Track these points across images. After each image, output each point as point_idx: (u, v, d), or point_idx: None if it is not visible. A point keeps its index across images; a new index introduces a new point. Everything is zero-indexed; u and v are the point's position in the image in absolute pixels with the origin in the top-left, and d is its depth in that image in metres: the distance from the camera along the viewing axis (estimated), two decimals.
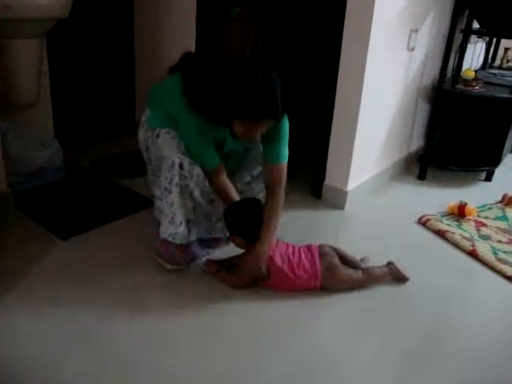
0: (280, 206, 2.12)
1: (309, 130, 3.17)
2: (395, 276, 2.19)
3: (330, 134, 2.80)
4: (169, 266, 2.11)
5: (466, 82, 3.36)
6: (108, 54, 3.46)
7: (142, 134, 2.17)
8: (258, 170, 2.35)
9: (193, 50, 3.21)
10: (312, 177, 2.99)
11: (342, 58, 2.64)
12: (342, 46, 2.62)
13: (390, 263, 2.20)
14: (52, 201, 2.67)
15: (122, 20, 3.47)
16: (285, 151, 2.11)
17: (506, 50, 4.39)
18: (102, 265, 2.16)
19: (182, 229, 2.04)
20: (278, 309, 1.98)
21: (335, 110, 2.75)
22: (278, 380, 1.64)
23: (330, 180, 2.87)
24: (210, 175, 2.07)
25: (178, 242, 2.05)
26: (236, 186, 2.21)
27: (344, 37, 2.60)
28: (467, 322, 2.06)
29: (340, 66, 2.66)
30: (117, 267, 2.15)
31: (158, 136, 2.05)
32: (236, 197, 2.11)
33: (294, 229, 2.54)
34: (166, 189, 2.02)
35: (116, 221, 2.52)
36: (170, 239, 2.05)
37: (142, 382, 1.60)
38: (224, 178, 2.09)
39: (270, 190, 2.13)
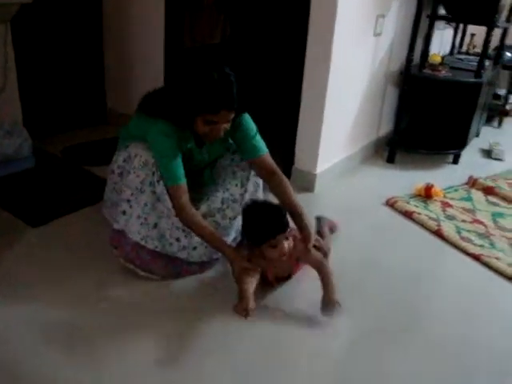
0: (290, 188, 2.10)
1: (277, 115, 3.21)
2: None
3: (298, 119, 2.84)
4: (141, 273, 2.02)
5: (433, 67, 3.43)
6: (77, 40, 3.42)
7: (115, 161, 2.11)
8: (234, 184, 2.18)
9: (162, 34, 3.22)
10: (281, 161, 3.02)
11: (308, 43, 2.67)
12: (309, 32, 2.65)
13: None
14: (22, 189, 2.65)
15: (90, 5, 3.44)
16: (260, 144, 2.10)
17: (473, 36, 4.49)
18: (72, 251, 2.17)
19: (155, 232, 1.98)
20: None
21: (303, 95, 2.79)
22: None
23: (299, 163, 2.91)
24: (173, 199, 1.93)
25: (150, 246, 1.98)
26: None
27: (310, 23, 2.63)
28: (433, 297, 2.13)
29: (307, 52, 2.69)
30: (88, 253, 2.16)
31: (127, 146, 2.03)
32: (216, 231, 1.98)
33: None
34: (137, 188, 1.94)
35: (87, 207, 2.53)
36: (142, 243, 1.98)
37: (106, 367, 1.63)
38: (191, 208, 1.95)
39: (271, 181, 2.11)
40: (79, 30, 3.42)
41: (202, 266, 2.11)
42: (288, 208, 1.99)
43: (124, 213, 1.99)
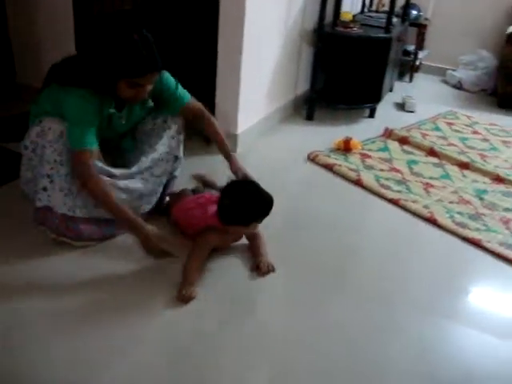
0: (219, 127, 2.29)
1: (194, 76, 3.16)
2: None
3: (215, 80, 2.82)
4: (77, 244, 1.98)
5: (345, 24, 3.49)
6: None
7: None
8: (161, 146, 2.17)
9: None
10: None
11: (221, 5, 2.64)
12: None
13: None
14: None
15: None
16: (184, 92, 2.16)
17: None
18: None
19: (80, 200, 1.94)
20: None
21: (219, 57, 2.76)
22: None
23: (219, 124, 2.89)
24: (79, 165, 1.87)
25: (78, 214, 1.94)
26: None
27: None
28: (359, 242, 2.23)
29: (220, 13, 2.66)
30: (11, 230, 2.06)
31: (40, 121, 1.92)
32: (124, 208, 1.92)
33: (189, 175, 2.57)
34: (56, 161, 1.88)
35: (5, 185, 2.40)
36: (70, 213, 1.93)
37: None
38: (99, 176, 1.90)
39: (202, 123, 2.25)
40: None
41: None
42: (221, 147, 2.23)
43: (45, 189, 1.91)
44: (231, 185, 1.94)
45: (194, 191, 2.29)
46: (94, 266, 1.88)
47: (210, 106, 2.87)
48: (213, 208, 2.00)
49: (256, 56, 2.84)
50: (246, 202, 1.86)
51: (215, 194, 2.12)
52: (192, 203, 2.09)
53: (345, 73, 3.87)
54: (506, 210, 2.59)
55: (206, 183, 2.47)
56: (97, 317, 1.66)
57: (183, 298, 1.74)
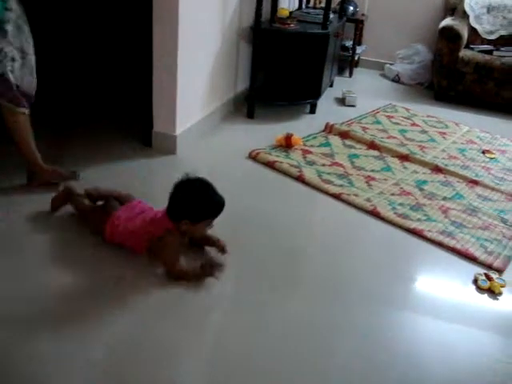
0: None
1: (131, 81, 3.07)
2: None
3: (152, 82, 2.74)
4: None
5: (282, 21, 3.47)
6: None
7: None
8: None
9: None
10: (141, 125, 2.92)
11: (154, 7, 2.56)
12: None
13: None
14: None
15: None
16: None
17: None
18: None
19: None
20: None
21: (154, 58, 2.68)
22: None
23: (158, 127, 2.82)
24: None
25: None
26: None
27: None
28: (303, 238, 2.21)
29: (153, 16, 2.58)
30: None
31: None
32: None
33: (129, 180, 2.49)
34: None
35: None
36: None
37: None
38: None
39: None
40: None
41: None
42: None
43: None
44: (185, 180, 1.88)
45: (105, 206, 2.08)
46: None
47: (148, 107, 2.80)
48: (152, 214, 1.94)
49: (192, 56, 2.78)
50: (198, 196, 1.85)
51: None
52: (126, 214, 1.97)
53: (284, 69, 3.86)
54: (445, 198, 2.63)
55: (101, 196, 2.14)
56: None
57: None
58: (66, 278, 1.79)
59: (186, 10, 2.58)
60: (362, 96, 4.08)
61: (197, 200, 1.85)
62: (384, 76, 4.96)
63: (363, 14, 4.96)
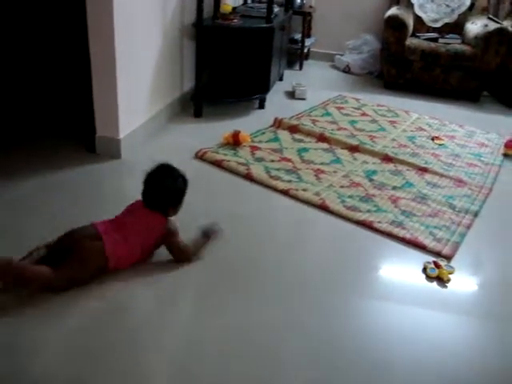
0: None
1: (71, 86, 2.96)
2: None
3: (91, 86, 2.64)
4: None
5: (225, 16, 3.41)
6: None
7: None
8: None
9: None
10: (84, 130, 2.81)
11: (88, 5, 2.46)
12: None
13: None
14: None
15: None
16: None
17: None
18: None
19: None
20: None
21: (92, 62, 2.57)
22: None
23: (100, 131, 2.72)
24: None
25: None
26: None
27: None
28: (251, 237, 2.15)
29: (88, 16, 2.48)
30: None
31: None
32: None
33: (73, 188, 2.41)
34: None
35: None
36: None
37: None
38: None
39: None
40: None
41: None
42: None
43: None
44: (157, 170, 1.89)
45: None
46: None
47: (90, 111, 2.70)
48: (136, 221, 1.84)
49: (132, 56, 2.69)
50: (175, 180, 1.90)
51: None
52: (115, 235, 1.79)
53: (230, 66, 3.81)
54: (394, 188, 2.63)
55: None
56: None
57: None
58: None
59: (121, 9, 2.49)
60: (312, 88, 4.06)
61: (176, 184, 1.90)
62: (335, 67, 4.97)
63: (311, 6, 4.95)
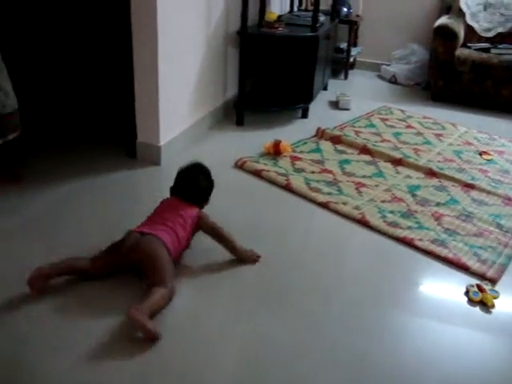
0: None
1: (114, 92, 3.00)
2: None
3: (134, 93, 2.67)
4: None
5: (269, 24, 3.40)
6: None
7: None
8: None
9: None
10: (125, 136, 2.85)
11: (132, 13, 2.49)
12: (132, 2, 2.48)
13: None
14: None
15: None
16: None
17: None
18: None
19: None
20: None
21: (135, 67, 2.61)
22: None
23: (141, 137, 2.75)
24: None
25: None
26: None
27: None
28: (289, 251, 2.11)
29: (132, 23, 2.51)
30: None
31: None
32: None
33: (112, 192, 2.45)
34: None
35: None
36: None
37: None
38: None
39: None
40: None
41: None
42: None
43: None
44: (191, 168, 2.10)
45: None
46: None
47: (131, 117, 2.73)
48: (177, 216, 1.91)
49: (175, 63, 2.70)
50: (209, 176, 2.09)
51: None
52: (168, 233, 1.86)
53: (274, 74, 3.79)
54: (438, 204, 2.53)
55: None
56: None
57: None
58: None
59: (165, 17, 2.51)
60: (356, 98, 3.99)
61: (210, 179, 2.09)
62: (380, 77, 4.87)
63: (358, 15, 4.88)
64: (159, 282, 1.68)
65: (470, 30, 4.45)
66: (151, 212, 1.98)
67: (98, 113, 3.39)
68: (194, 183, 2.03)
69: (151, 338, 1.55)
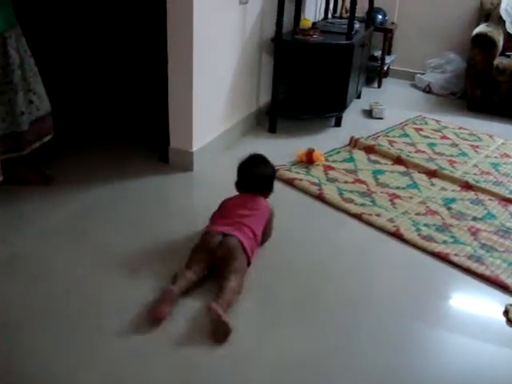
0: None
1: (147, 97, 3.02)
2: None
3: (167, 98, 2.68)
4: None
5: (304, 32, 3.37)
6: None
7: None
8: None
9: None
10: (157, 142, 2.86)
11: (168, 21, 2.51)
12: (168, 10, 2.49)
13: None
14: None
15: None
16: None
17: (344, 0, 4.51)
18: None
19: None
20: None
21: (169, 73, 2.62)
22: None
23: (174, 143, 2.76)
24: None
25: None
26: None
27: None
28: (320, 262, 2.09)
29: (168, 30, 2.53)
30: None
31: None
32: None
33: (144, 197, 2.47)
34: None
35: None
36: None
37: None
38: None
39: None
40: None
41: None
42: None
43: None
44: (253, 159, 2.16)
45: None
46: None
47: (164, 123, 2.74)
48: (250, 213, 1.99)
49: (209, 69, 2.71)
50: (271, 165, 2.16)
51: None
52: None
53: (307, 82, 3.76)
54: (475, 219, 2.47)
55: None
56: None
57: None
58: None
59: (200, 23, 2.52)
60: (390, 107, 3.93)
61: (271, 166, 2.16)
62: (415, 86, 4.79)
63: (393, 23, 4.82)
64: (235, 272, 1.78)
65: (509, 38, 4.34)
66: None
67: (133, 117, 3.42)
68: (258, 173, 2.11)
69: (225, 331, 1.59)
